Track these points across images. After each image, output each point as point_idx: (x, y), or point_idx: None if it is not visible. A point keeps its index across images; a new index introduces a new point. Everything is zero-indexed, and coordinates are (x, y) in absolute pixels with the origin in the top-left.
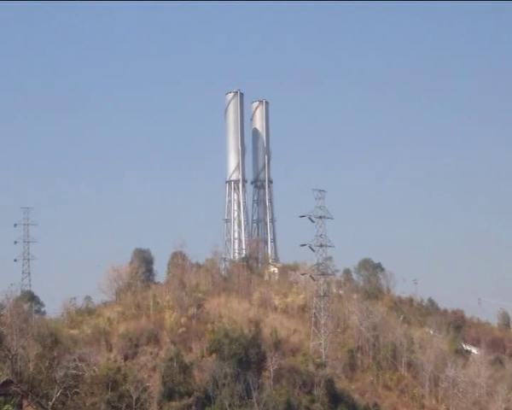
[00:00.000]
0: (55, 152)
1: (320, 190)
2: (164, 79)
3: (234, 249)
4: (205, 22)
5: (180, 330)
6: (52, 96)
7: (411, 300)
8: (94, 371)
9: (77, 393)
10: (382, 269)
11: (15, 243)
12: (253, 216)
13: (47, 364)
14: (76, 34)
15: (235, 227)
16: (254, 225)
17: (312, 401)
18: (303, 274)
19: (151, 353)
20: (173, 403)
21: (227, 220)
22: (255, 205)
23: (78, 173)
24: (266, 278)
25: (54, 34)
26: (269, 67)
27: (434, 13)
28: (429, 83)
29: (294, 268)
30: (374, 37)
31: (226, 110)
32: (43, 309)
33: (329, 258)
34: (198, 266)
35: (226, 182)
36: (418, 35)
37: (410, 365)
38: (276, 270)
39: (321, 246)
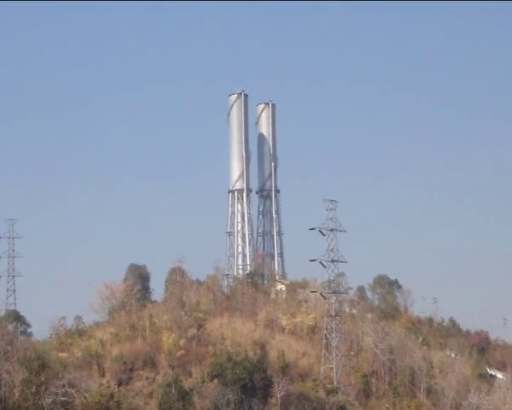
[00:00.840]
0: (43, 158)
1: (331, 201)
2: (162, 80)
3: (237, 265)
4: (206, 20)
5: (179, 353)
6: (42, 98)
7: (431, 320)
8: (85, 397)
9: None
10: (399, 286)
11: None
12: (258, 229)
13: (34, 390)
14: (73, 33)
15: (239, 241)
16: (260, 238)
17: None
18: (313, 292)
19: (147, 378)
20: None
21: (230, 233)
22: (261, 216)
23: (68, 182)
24: (273, 296)
25: (51, 33)
26: (275, 66)
27: (448, 12)
28: (452, 86)
29: (303, 285)
30: (387, 36)
31: (229, 113)
32: (29, 330)
33: (342, 274)
34: (198, 283)
35: (229, 191)
36: (434, 34)
37: (429, 391)
38: (283, 287)
39: (332, 261)
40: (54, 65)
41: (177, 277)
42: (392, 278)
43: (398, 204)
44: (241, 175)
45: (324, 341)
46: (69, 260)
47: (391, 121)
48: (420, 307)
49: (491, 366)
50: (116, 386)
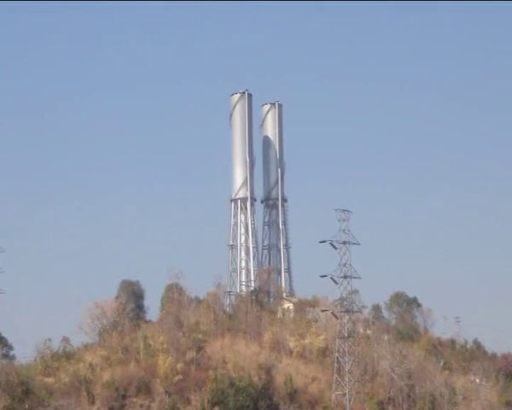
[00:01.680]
0: (27, 165)
1: (344, 211)
2: (158, 78)
3: (240, 281)
4: (206, 13)
5: (176, 379)
6: (25, 100)
7: (453, 342)
8: None
9: None
10: (418, 305)
11: None
12: (263, 241)
13: None
14: (69, 30)
15: (242, 254)
16: (265, 251)
17: None
18: (323, 311)
19: (141, 405)
20: None
21: (232, 246)
22: (266, 228)
23: (54, 190)
24: (279, 315)
25: (48, 31)
26: (282, 63)
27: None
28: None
29: (313, 304)
30: (406, 33)
31: (231, 114)
32: (11, 353)
33: (355, 291)
34: (198, 301)
35: (231, 200)
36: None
37: None
38: (291, 306)
39: (345, 277)
40: (43, 62)
41: (174, 294)
42: (411, 295)
43: (416, 215)
44: (245, 182)
45: (336, 365)
46: (56, 276)
47: (411, 125)
48: (441, 328)
49: None
50: None
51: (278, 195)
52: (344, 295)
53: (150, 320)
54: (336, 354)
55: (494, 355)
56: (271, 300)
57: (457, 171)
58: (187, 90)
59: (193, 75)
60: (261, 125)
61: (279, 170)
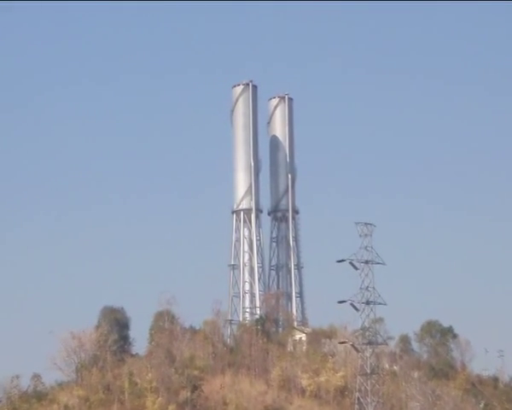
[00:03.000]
0: None
1: (366, 224)
2: (148, 69)
3: (244, 308)
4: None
5: None
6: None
7: (496, 379)
8: None
9: None
10: (454, 336)
11: None
12: (270, 260)
13: None
14: (56, 17)
15: (246, 276)
16: (273, 272)
17: None
18: (342, 343)
19: None
20: None
21: (234, 266)
22: (274, 244)
23: (25, 200)
24: (290, 348)
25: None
26: (292, 50)
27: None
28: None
29: (330, 334)
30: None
31: (233, 110)
32: None
33: (380, 320)
34: (193, 331)
35: (233, 212)
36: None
37: None
38: (303, 337)
39: (368, 303)
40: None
41: (164, 323)
42: (446, 324)
43: (451, 230)
44: (249, 191)
45: (357, 406)
46: (25, 302)
47: (445, 125)
48: (481, 363)
49: None
50: None
51: (288, 205)
52: (366, 325)
53: (137, 354)
54: (357, 394)
55: None
56: (280, 330)
57: (502, 180)
58: (182, 82)
59: (189, 64)
60: (268, 123)
61: (289, 176)
